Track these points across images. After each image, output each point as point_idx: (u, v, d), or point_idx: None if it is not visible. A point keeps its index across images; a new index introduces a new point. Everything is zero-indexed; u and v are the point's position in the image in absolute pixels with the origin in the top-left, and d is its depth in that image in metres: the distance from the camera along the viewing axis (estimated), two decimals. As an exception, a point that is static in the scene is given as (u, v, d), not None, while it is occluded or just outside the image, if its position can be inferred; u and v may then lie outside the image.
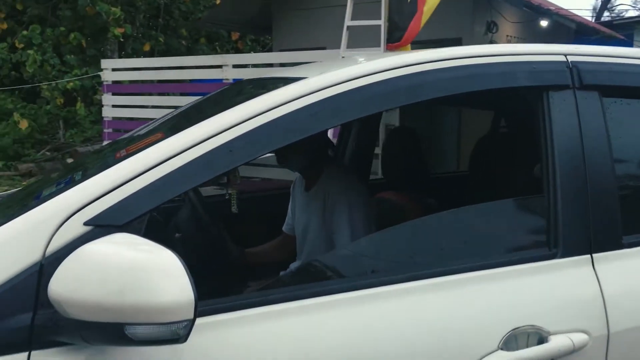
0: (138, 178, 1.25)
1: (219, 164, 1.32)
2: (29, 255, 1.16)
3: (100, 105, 8.71)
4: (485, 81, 1.58)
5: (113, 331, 1.06)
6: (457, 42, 7.83)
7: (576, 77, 1.63)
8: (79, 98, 11.04)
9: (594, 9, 24.72)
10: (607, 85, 1.67)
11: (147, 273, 1.05)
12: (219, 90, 2.10)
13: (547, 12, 9.45)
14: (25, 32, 10.82)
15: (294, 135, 1.40)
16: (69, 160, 10.14)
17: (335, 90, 1.42)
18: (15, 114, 11.06)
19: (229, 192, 2.33)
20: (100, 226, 1.19)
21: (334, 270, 1.55)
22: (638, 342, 1.54)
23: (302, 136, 1.40)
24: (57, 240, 1.17)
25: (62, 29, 10.87)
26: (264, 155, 1.40)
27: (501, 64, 1.60)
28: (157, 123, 1.94)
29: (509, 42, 9.82)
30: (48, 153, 11.12)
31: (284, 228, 2.67)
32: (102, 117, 8.27)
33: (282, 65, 7.57)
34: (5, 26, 11.46)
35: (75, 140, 11.52)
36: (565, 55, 1.67)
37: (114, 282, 1.05)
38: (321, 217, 2.31)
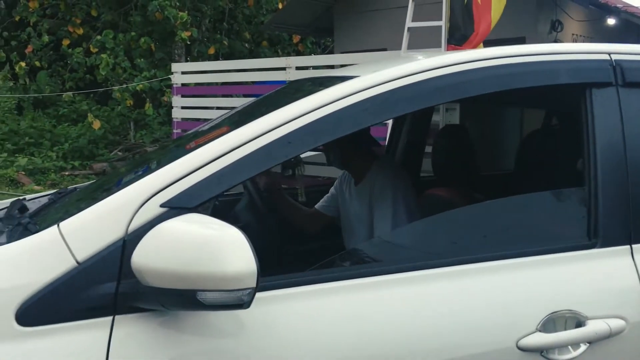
0: (207, 166, 1.40)
1: (279, 154, 1.46)
2: (114, 232, 1.33)
3: (168, 107, 9.09)
4: (528, 79, 1.67)
5: (187, 297, 1.22)
6: (520, 41, 7.76)
7: (619, 74, 1.70)
8: (147, 99, 11.53)
9: (668, 5, 23.66)
10: None
11: (217, 247, 1.21)
12: (278, 89, 2.26)
13: (614, 10, 9.22)
14: (99, 37, 11.39)
15: (346, 129, 1.53)
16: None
17: (383, 88, 1.54)
18: (89, 114, 11.64)
19: (297, 187, 2.49)
20: (175, 208, 1.35)
21: (387, 253, 1.67)
22: (676, 330, 1.60)
23: (354, 129, 1.53)
24: (138, 219, 1.34)
25: (133, 33, 11.40)
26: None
27: (544, 62, 1.68)
28: (220, 119, 2.11)
29: (574, 41, 9.65)
30: (120, 153, 11.64)
31: (317, 205, 2.84)
32: (172, 118, 8.63)
33: (343, 67, 7.71)
34: (81, 31, 12.08)
35: (145, 141, 12.02)
36: (609, 53, 1.73)
37: (188, 254, 1.21)
38: (368, 209, 2.44)
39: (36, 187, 9.12)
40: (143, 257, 1.25)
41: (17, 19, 12.20)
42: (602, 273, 1.59)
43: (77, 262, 1.30)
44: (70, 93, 12.14)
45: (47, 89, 12.29)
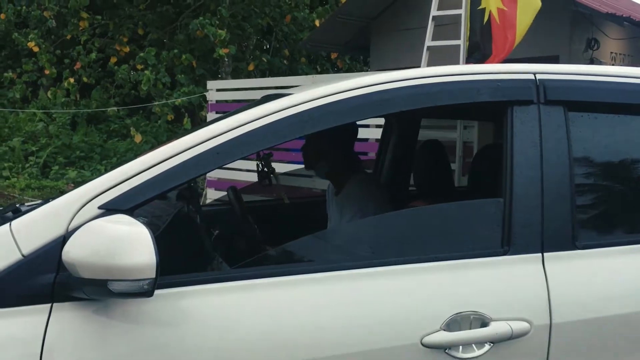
0: (142, 174, 1.60)
1: (208, 163, 1.64)
2: (55, 230, 1.52)
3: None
4: (449, 97, 1.79)
5: (101, 286, 1.40)
6: (554, 59, 7.74)
7: (542, 93, 1.80)
8: (186, 114, 11.95)
9: None
10: (572, 101, 1.83)
11: (125, 242, 1.40)
12: (250, 103, 2.43)
13: (651, 28, 9.07)
14: (142, 54, 11.91)
15: (272, 142, 1.70)
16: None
17: (308, 105, 1.69)
18: (131, 128, 12.11)
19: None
20: (110, 210, 1.54)
21: (303, 254, 1.81)
22: (580, 334, 1.68)
23: (280, 142, 1.70)
24: (78, 219, 1.53)
25: (176, 51, 11.89)
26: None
27: (468, 81, 1.81)
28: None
29: (613, 59, 9.53)
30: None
31: None
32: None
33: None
34: (127, 49, 12.64)
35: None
36: (534, 73, 1.84)
37: (103, 247, 1.40)
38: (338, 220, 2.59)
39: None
40: (71, 250, 1.44)
41: (68, 37, 12.85)
42: (510, 278, 1.69)
43: (23, 255, 1.50)
44: (114, 108, 12.69)
45: (94, 104, 12.85)
